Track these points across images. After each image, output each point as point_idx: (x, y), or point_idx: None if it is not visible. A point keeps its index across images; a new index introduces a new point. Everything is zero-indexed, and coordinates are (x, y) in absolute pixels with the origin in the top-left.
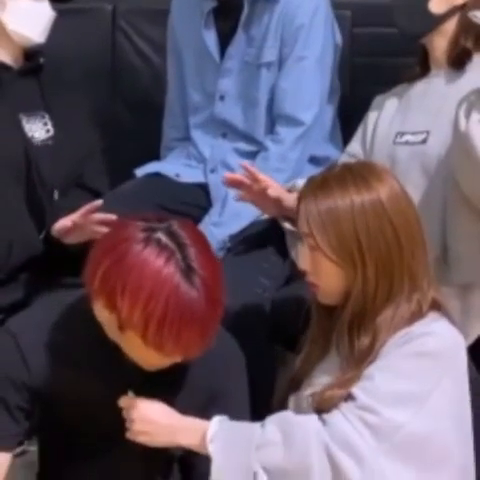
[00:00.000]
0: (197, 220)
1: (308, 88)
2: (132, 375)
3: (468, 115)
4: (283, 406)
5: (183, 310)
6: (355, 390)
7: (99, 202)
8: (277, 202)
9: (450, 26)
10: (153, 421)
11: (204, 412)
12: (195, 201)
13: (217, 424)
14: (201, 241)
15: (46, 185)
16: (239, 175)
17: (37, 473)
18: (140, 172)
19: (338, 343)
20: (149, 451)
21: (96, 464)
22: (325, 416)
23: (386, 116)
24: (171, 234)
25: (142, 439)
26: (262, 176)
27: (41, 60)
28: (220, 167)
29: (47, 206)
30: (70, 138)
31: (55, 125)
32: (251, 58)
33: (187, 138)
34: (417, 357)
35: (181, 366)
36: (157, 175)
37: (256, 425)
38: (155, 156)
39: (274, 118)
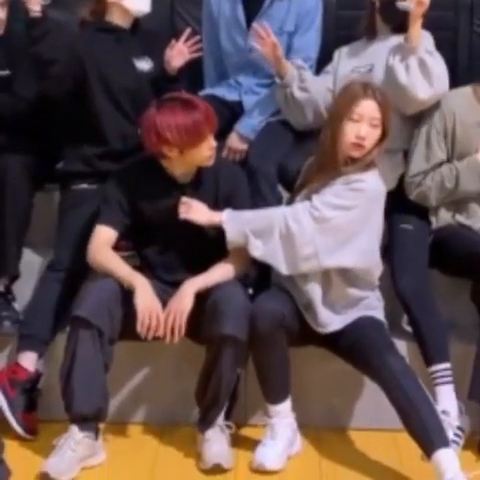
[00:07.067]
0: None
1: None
2: (178, 189)
3: (394, 56)
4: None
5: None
6: (314, 197)
7: (188, 31)
8: (278, 58)
9: None
10: (199, 207)
11: (226, 205)
12: (234, 111)
13: (228, 211)
14: (193, 98)
15: (150, 96)
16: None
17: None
18: (201, 94)
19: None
20: (191, 233)
21: (160, 241)
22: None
23: (346, 59)
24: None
25: (191, 214)
26: (272, 35)
27: (138, 23)
28: (249, 92)
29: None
30: (160, 66)
31: (152, 61)
32: (274, 28)
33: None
34: (351, 190)
35: (206, 178)
36: (212, 95)
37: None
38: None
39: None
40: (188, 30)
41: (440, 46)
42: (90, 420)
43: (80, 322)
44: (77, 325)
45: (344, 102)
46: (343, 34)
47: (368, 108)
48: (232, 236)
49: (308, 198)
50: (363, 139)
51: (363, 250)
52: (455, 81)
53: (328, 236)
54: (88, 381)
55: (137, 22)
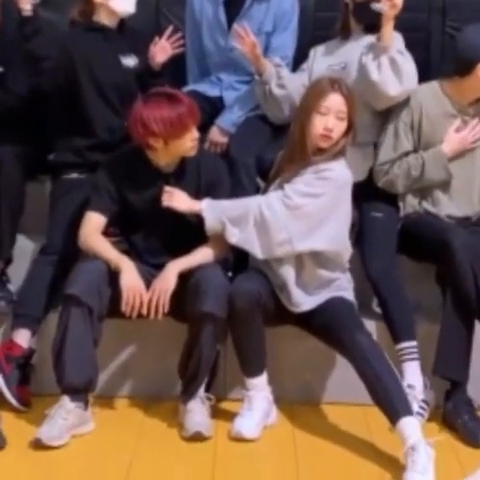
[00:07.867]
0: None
1: (289, 44)
2: (162, 179)
3: (367, 55)
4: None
5: (166, 111)
6: (286, 186)
7: (170, 28)
8: (257, 57)
9: None
10: (181, 196)
11: (207, 194)
12: (215, 106)
13: (207, 200)
14: (177, 93)
15: (136, 91)
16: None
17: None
18: (184, 89)
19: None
20: (174, 220)
21: (145, 227)
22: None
23: (321, 57)
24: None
25: (173, 202)
26: (252, 35)
27: (124, 23)
28: (230, 88)
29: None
30: (145, 63)
31: (137, 58)
32: (253, 29)
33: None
34: (320, 179)
35: (189, 169)
36: (195, 91)
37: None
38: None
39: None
40: (171, 27)
41: (413, 47)
42: (80, 391)
43: (72, 300)
44: (69, 303)
45: (312, 96)
46: (320, 34)
47: (335, 102)
48: (211, 224)
49: (281, 187)
50: (330, 131)
51: (333, 234)
52: (427, 80)
53: (300, 222)
54: (79, 354)
55: (123, 22)
